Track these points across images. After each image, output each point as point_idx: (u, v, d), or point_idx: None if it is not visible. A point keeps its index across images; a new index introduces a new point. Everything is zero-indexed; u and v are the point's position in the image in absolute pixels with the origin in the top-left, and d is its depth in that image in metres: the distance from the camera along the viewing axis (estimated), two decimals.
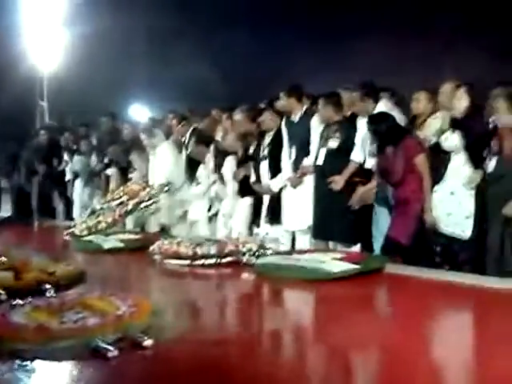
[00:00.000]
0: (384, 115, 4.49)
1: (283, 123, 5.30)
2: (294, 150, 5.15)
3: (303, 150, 5.07)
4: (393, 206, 4.34)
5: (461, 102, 4.32)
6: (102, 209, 4.76)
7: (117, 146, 6.85)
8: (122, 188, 5.03)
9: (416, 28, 9.72)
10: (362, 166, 4.73)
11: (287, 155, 5.21)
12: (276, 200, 5.24)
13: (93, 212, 4.84)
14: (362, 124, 4.71)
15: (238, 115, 5.60)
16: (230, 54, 12.17)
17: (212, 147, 5.77)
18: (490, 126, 4.25)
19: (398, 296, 2.59)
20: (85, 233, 4.32)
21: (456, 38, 9.18)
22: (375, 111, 4.66)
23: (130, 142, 6.71)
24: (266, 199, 5.36)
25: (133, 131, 6.85)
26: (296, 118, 5.21)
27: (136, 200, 4.54)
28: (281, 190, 5.23)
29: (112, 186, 6.53)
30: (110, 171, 6.91)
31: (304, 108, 5.21)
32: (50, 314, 1.78)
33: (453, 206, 4.19)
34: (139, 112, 13.64)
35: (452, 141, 4.26)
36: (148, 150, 6.27)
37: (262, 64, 11.95)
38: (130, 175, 6.46)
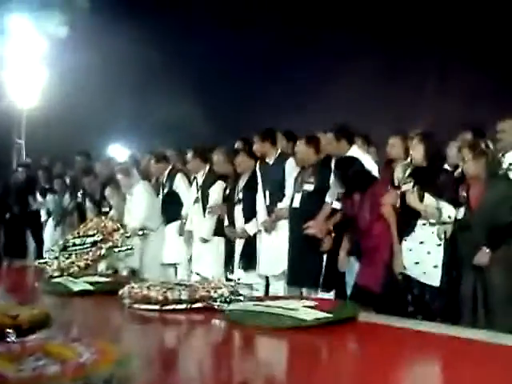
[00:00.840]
0: (351, 160, 4.48)
1: (257, 166, 5.30)
2: (268, 194, 5.14)
3: (278, 194, 5.06)
4: (362, 254, 4.32)
5: (416, 152, 4.34)
6: (74, 245, 4.67)
7: (92, 178, 6.81)
8: (96, 221, 4.95)
9: (389, 74, 9.93)
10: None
11: (262, 198, 5.20)
12: (251, 244, 5.21)
13: (65, 247, 4.74)
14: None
15: (216, 156, 5.62)
16: (210, 94, 12.28)
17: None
18: (456, 174, 4.31)
19: (369, 345, 2.55)
20: (56, 274, 4.25)
21: (428, 85, 9.39)
22: (348, 154, 4.67)
23: (105, 178, 6.68)
24: (240, 243, 5.33)
25: (108, 170, 6.83)
26: (270, 161, 5.22)
27: (110, 244, 4.47)
28: (255, 234, 5.21)
29: (88, 217, 6.45)
30: (87, 205, 6.84)
31: (279, 151, 5.23)
32: (8, 361, 1.70)
33: (421, 255, 4.20)
34: (118, 151, 13.61)
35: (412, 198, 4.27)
36: (124, 189, 6.23)
37: (240, 105, 12.08)
38: (104, 209, 6.41)
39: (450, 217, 4.15)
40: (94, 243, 4.49)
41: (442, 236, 4.20)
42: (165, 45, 12.18)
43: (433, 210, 4.17)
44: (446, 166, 4.54)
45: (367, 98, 9.85)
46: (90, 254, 4.46)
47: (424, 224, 4.23)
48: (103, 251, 4.44)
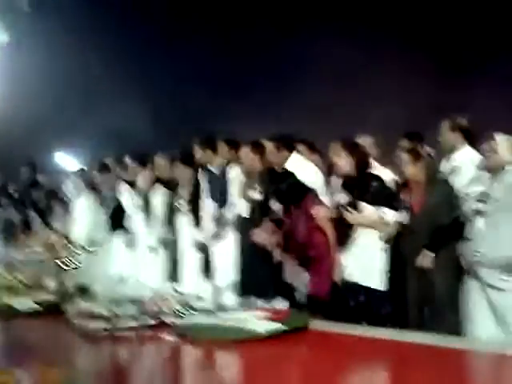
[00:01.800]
0: (283, 173, 4.52)
1: (200, 174, 5.24)
2: (213, 202, 5.10)
3: (223, 202, 5.04)
4: (307, 263, 4.35)
5: (340, 160, 4.39)
6: (21, 262, 4.56)
7: (37, 191, 6.66)
8: (42, 239, 4.85)
9: (342, 79, 10.04)
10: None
11: (207, 207, 5.15)
12: (205, 254, 5.17)
13: (10, 265, 4.62)
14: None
15: (157, 161, 5.56)
16: (155, 101, 12.15)
17: None
18: (398, 178, 4.39)
19: (321, 353, 2.57)
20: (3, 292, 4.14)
21: (371, 91, 9.54)
22: (289, 162, 4.69)
23: (50, 190, 6.54)
24: (188, 253, 5.27)
25: (53, 181, 6.70)
26: (213, 168, 5.19)
27: (57, 261, 4.38)
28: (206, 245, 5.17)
29: (34, 230, 6.31)
30: (32, 218, 6.68)
31: (220, 158, 5.20)
32: None
33: (365, 260, 4.26)
34: (63, 160, 13.32)
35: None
36: (68, 201, 6.12)
37: (186, 110, 11.99)
38: (50, 221, 6.28)
39: (392, 220, 4.22)
40: (42, 261, 4.39)
41: (385, 240, 4.26)
42: (111, 50, 11.99)
43: (376, 219, 4.23)
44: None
45: (315, 105, 9.93)
46: (36, 268, 4.36)
47: (366, 231, 4.29)
48: (50, 268, 4.35)
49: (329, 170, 4.93)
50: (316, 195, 4.45)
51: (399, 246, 4.28)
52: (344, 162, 4.33)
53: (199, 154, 5.26)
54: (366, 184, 4.28)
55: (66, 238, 5.14)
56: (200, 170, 5.28)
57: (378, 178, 4.33)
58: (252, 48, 11.24)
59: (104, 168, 6.25)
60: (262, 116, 9.78)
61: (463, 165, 4.40)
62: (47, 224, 6.44)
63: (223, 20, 11.44)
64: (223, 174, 5.14)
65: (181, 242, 5.38)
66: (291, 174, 4.46)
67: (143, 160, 5.77)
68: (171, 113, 12.12)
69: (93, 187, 6.31)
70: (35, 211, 6.72)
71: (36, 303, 3.66)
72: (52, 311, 3.49)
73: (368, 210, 4.23)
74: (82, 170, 6.80)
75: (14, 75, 12.13)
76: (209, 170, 5.25)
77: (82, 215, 5.95)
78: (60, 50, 11.74)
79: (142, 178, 5.74)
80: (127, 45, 12.01)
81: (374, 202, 4.22)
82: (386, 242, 4.25)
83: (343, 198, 4.32)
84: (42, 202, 6.67)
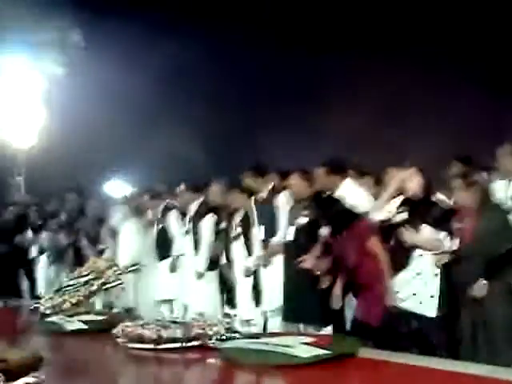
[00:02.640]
0: (331, 199, 4.47)
1: (252, 202, 5.28)
2: (263, 229, 5.11)
3: (272, 229, 5.03)
4: (356, 290, 4.27)
5: (412, 184, 4.33)
6: (68, 286, 4.63)
7: (86, 217, 6.80)
8: (89, 263, 4.93)
9: (381, 108, 10.00)
10: None
11: (257, 234, 5.16)
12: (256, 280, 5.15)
13: (59, 289, 4.70)
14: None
15: (212, 187, 5.61)
16: (209, 132, 12.36)
17: None
18: (449, 204, 4.29)
19: (370, 381, 2.49)
20: (49, 311, 4.22)
21: (419, 118, 9.46)
22: (342, 188, 4.65)
23: (97, 216, 6.67)
24: (240, 279, 5.26)
25: (100, 207, 6.84)
26: (263, 196, 5.21)
27: (102, 280, 4.44)
28: (255, 270, 5.16)
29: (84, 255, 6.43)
30: (82, 243, 6.81)
31: (270, 186, 5.22)
32: None
33: (418, 286, 4.15)
34: (114, 188, 13.61)
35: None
36: (115, 227, 6.22)
37: (236, 142, 12.14)
38: (100, 247, 6.39)
39: (450, 247, 4.13)
40: (87, 282, 4.46)
41: (439, 265, 4.15)
42: (159, 81, 12.28)
43: (433, 242, 4.16)
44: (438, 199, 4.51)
45: (361, 132, 9.91)
46: (82, 289, 4.43)
47: (421, 255, 4.19)
48: (94, 287, 4.41)
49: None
50: (366, 220, 4.39)
51: (451, 273, 4.16)
52: (416, 185, 4.28)
53: (249, 181, 5.29)
54: (428, 207, 4.21)
55: (112, 261, 5.19)
56: (251, 197, 5.30)
57: (439, 202, 4.27)
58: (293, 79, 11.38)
59: (155, 195, 6.33)
60: (305, 144, 9.82)
61: None
62: (97, 249, 6.54)
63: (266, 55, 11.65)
64: (271, 201, 5.13)
65: (233, 268, 5.37)
66: (339, 199, 4.42)
67: (198, 187, 5.82)
68: (221, 142, 12.31)
69: (141, 213, 6.39)
70: (85, 236, 6.84)
71: (83, 323, 3.71)
72: (98, 331, 3.53)
73: (427, 231, 4.16)
74: (128, 196, 6.91)
75: (68, 106, 12.57)
76: (258, 198, 5.26)
77: (128, 241, 6.03)
78: (111, 80, 12.08)
79: (194, 204, 5.79)
80: (184, 75, 12.29)
81: (434, 225, 4.14)
82: (440, 268, 4.14)
83: (402, 217, 4.26)
84: (90, 227, 6.79)
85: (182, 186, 5.92)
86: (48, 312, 4.21)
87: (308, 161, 5.45)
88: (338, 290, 4.37)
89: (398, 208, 4.36)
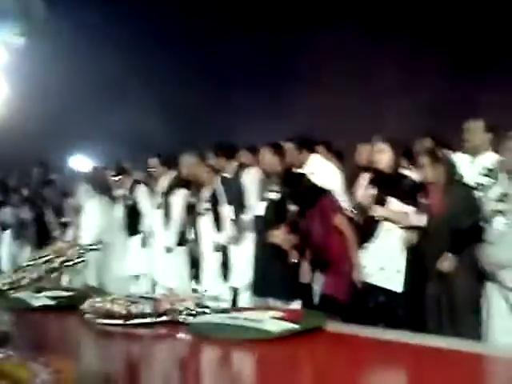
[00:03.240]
0: (298, 176, 4.48)
1: (218, 180, 5.25)
2: (231, 207, 5.09)
3: (240, 206, 5.02)
4: (323, 265, 4.32)
5: (383, 157, 4.36)
6: (28, 265, 4.58)
7: (52, 189, 6.68)
8: (50, 247, 4.90)
9: (352, 83, 10.00)
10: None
11: (226, 211, 5.15)
12: (225, 256, 5.16)
13: (19, 267, 4.64)
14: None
15: (186, 158, 5.57)
16: (168, 104, 12.20)
17: None
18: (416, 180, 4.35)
19: (336, 355, 2.53)
20: (6, 287, 4.16)
21: (389, 94, 9.48)
22: (310, 163, 4.67)
23: (62, 190, 6.57)
24: (207, 254, 5.26)
25: (65, 181, 6.74)
26: (228, 174, 5.18)
27: (63, 258, 4.40)
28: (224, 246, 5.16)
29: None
30: (47, 217, 6.70)
31: (235, 164, 5.20)
32: None
33: (385, 261, 4.21)
34: (79, 163, 13.41)
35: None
36: (79, 203, 6.14)
37: (198, 114, 12.04)
38: (64, 220, 6.30)
39: (418, 222, 4.18)
40: (47, 260, 4.42)
41: (407, 242, 4.21)
42: (126, 53, 12.06)
43: (401, 215, 4.21)
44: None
45: (329, 105, 9.90)
46: (43, 267, 4.38)
47: (388, 229, 4.25)
48: (55, 264, 4.36)
49: (353, 170, 4.90)
50: (332, 196, 4.42)
51: (418, 248, 4.23)
52: (387, 158, 4.30)
53: (213, 160, 5.25)
54: (397, 181, 4.25)
55: (75, 241, 5.14)
56: (217, 175, 5.27)
57: (407, 177, 4.31)
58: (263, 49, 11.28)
59: (120, 170, 6.25)
60: (273, 119, 9.78)
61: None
62: (62, 222, 6.46)
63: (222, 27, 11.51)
64: (238, 178, 5.11)
65: (200, 243, 5.36)
66: (306, 176, 4.43)
67: (169, 161, 5.75)
68: (185, 118, 12.18)
69: (106, 189, 6.31)
70: (50, 210, 6.74)
71: (50, 299, 3.67)
72: (66, 307, 3.50)
73: (394, 205, 4.21)
74: (95, 169, 6.81)
75: (30, 77, 12.24)
76: (224, 176, 5.23)
77: (92, 218, 5.97)
78: (75, 51, 11.82)
79: (165, 179, 5.73)
80: (148, 46, 12.08)
81: (402, 199, 4.18)
82: (407, 244, 4.20)
83: (370, 192, 4.30)
84: (56, 201, 6.69)
85: (154, 160, 5.84)
86: (5, 288, 4.18)
87: (278, 136, 5.42)
88: (305, 265, 4.41)
89: (367, 184, 4.41)
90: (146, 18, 11.49)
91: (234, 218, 5.10)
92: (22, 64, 12.80)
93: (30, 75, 12.29)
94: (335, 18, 9.98)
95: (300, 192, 4.37)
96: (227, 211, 5.16)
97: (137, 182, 6.12)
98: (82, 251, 4.49)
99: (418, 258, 4.21)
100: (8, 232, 7.30)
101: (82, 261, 4.52)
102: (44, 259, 4.36)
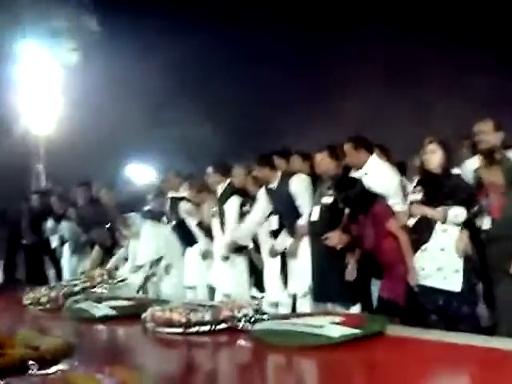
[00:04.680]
0: (351, 181, 4.44)
1: (262, 191, 5.23)
2: (280, 216, 5.10)
3: (291, 214, 5.00)
4: (379, 270, 4.26)
5: (433, 158, 4.26)
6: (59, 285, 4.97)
7: (101, 228, 6.74)
8: (88, 271, 5.23)
9: (401, 82, 9.87)
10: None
11: (274, 221, 5.15)
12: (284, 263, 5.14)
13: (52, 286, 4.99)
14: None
15: (236, 169, 5.61)
16: (222, 113, 12.33)
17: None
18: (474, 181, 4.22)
19: (399, 359, 2.48)
20: (28, 302, 4.46)
21: (442, 91, 9.31)
22: (368, 164, 4.60)
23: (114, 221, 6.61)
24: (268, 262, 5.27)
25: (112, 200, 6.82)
26: (274, 185, 5.15)
27: (87, 284, 4.62)
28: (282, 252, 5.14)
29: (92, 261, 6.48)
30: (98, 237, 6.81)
31: (279, 174, 5.16)
32: None
33: (443, 261, 4.11)
34: (135, 172, 13.69)
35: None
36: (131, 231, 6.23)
37: (253, 120, 12.12)
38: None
39: (457, 217, 4.07)
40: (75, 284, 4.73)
41: (461, 251, 4.09)
42: (178, 67, 12.26)
43: (439, 212, 4.10)
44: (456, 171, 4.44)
45: (379, 108, 9.80)
46: (66, 288, 4.61)
47: (444, 229, 4.14)
48: (76, 288, 4.57)
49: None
50: (385, 201, 4.37)
51: (483, 251, 4.09)
52: (437, 159, 4.22)
53: (257, 172, 5.24)
54: (447, 182, 4.16)
55: (109, 272, 5.25)
56: (263, 186, 5.25)
57: (459, 178, 4.20)
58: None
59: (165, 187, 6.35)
60: (325, 124, 9.74)
61: None
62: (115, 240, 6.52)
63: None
64: (283, 188, 5.07)
65: (258, 250, 5.37)
66: (360, 181, 4.38)
67: (225, 169, 5.78)
68: (233, 131, 12.28)
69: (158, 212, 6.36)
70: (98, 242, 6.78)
71: (111, 308, 3.74)
72: (127, 317, 3.55)
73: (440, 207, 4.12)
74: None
75: (86, 92, 12.58)
76: (268, 187, 5.20)
77: (147, 240, 6.03)
78: (129, 66, 12.07)
79: (220, 184, 5.77)
80: (201, 60, 12.25)
81: (452, 199, 4.08)
82: (462, 253, 4.09)
83: (417, 195, 4.23)
84: (105, 232, 6.71)
85: (210, 169, 5.88)
86: (28, 302, 4.46)
87: (329, 141, 5.37)
88: (352, 263, 4.38)
89: (415, 187, 4.32)
90: (197, 33, 11.65)
91: (282, 226, 5.07)
92: (76, 78, 13.20)
93: (85, 89, 12.65)
94: (384, 22, 9.89)
95: (353, 196, 4.32)
96: (275, 220, 5.14)
97: (175, 199, 6.18)
98: (106, 278, 4.73)
99: (479, 256, 4.09)
100: (67, 246, 7.41)
101: (123, 280, 4.75)
102: (74, 282, 4.64)
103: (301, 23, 11.49)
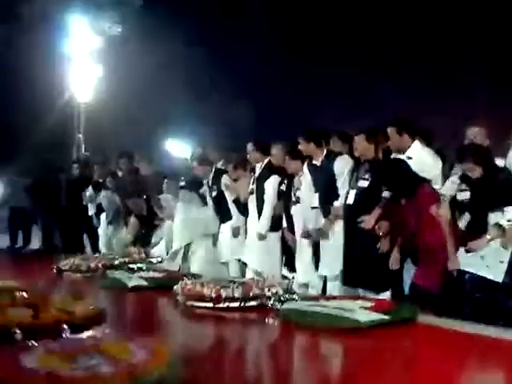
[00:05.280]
0: (397, 163, 4.37)
1: (305, 167, 5.22)
2: (319, 194, 5.06)
3: (330, 194, 4.98)
4: (418, 254, 4.19)
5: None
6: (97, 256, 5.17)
7: (138, 198, 6.81)
8: (128, 249, 5.42)
9: (446, 71, 9.68)
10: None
11: (315, 199, 5.11)
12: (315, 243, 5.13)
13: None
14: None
15: (274, 149, 5.59)
16: (263, 95, 12.30)
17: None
18: None
19: (428, 349, 2.45)
20: (66, 268, 4.51)
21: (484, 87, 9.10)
22: (411, 149, 4.53)
23: (150, 189, 6.68)
24: (301, 243, 5.26)
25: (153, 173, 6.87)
26: (318, 162, 5.12)
27: (126, 259, 4.70)
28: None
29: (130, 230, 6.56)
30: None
31: (325, 151, 5.12)
32: (62, 358, 1.70)
33: (487, 250, 4.00)
34: (175, 147, 13.76)
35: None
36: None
37: (292, 104, 12.05)
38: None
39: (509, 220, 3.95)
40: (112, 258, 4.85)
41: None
42: (219, 45, 12.26)
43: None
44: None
45: (421, 94, 9.63)
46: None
47: (498, 223, 4.02)
48: (115, 262, 4.64)
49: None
50: (430, 185, 4.29)
51: None
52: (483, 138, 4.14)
53: (303, 146, 5.20)
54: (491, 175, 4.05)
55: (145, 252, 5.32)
56: (306, 162, 5.22)
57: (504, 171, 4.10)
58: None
59: (204, 160, 6.34)
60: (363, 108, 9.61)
61: None
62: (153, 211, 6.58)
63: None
64: (327, 166, 5.04)
65: (293, 230, 5.36)
66: (405, 163, 4.31)
67: (265, 148, 5.77)
68: (272, 109, 12.24)
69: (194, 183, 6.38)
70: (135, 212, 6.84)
71: (144, 279, 3.80)
72: (158, 288, 3.60)
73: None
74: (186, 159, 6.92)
75: (125, 65, 12.68)
76: (312, 163, 5.18)
77: (181, 226, 6.08)
78: (170, 41, 12.10)
79: (259, 162, 5.76)
80: (241, 39, 12.22)
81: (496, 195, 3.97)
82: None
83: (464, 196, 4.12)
84: (142, 201, 6.78)
85: (250, 146, 5.88)
86: (65, 268, 4.52)
87: (361, 124, 5.29)
88: (396, 252, 4.32)
89: (459, 185, 4.20)
90: (234, 18, 11.62)
91: (321, 205, 5.04)
92: (118, 52, 13.33)
93: (127, 62, 12.75)
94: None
95: (398, 179, 4.25)
96: (315, 199, 5.11)
97: (220, 171, 6.19)
98: (140, 257, 4.82)
99: None
100: (103, 215, 7.50)
101: (161, 261, 4.87)
102: (113, 256, 4.75)
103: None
